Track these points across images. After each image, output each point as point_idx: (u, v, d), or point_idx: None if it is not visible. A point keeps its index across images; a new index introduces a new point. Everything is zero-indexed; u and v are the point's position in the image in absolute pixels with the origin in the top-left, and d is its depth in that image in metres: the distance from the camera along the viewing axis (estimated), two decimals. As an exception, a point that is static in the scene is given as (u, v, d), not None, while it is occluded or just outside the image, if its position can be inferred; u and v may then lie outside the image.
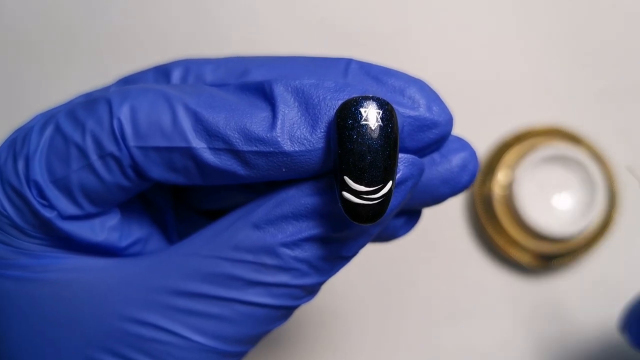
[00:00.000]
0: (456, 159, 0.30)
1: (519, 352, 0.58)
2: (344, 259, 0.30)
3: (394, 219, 0.32)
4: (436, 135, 0.28)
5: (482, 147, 0.59)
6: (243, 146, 0.27)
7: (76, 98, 0.33)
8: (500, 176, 0.57)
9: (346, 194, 0.26)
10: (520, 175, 0.56)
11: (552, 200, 0.57)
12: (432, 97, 0.29)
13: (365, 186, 0.26)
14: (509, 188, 0.56)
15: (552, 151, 0.56)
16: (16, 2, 0.60)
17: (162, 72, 0.31)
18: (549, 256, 0.57)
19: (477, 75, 0.61)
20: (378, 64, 0.29)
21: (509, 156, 0.58)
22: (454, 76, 0.60)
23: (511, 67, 0.61)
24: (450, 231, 0.59)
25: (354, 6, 0.61)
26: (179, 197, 0.36)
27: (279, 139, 0.27)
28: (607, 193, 0.57)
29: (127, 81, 0.32)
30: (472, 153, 0.31)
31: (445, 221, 0.59)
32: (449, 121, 0.29)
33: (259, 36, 0.61)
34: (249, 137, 0.27)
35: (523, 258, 0.57)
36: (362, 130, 0.25)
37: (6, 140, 0.31)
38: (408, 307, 0.58)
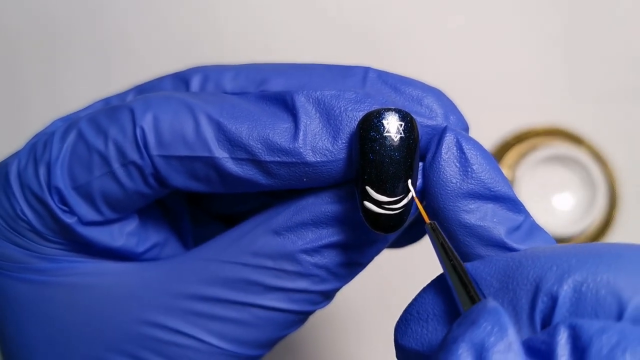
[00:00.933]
0: None
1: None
2: (361, 265, 0.30)
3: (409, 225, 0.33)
4: None
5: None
6: (265, 156, 0.27)
7: (94, 103, 0.33)
8: (502, 176, 0.57)
9: (368, 204, 0.26)
10: (520, 175, 0.56)
11: (552, 200, 0.57)
12: (449, 106, 0.29)
13: (387, 196, 0.26)
14: (510, 188, 0.57)
15: (552, 151, 0.56)
16: (16, 4, 0.60)
17: (181, 79, 0.31)
18: (550, 256, 0.57)
19: (478, 75, 0.61)
20: (395, 73, 0.30)
21: (510, 156, 0.58)
22: (455, 76, 0.60)
23: (512, 67, 0.61)
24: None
25: (356, 6, 0.61)
26: (195, 201, 0.36)
27: (302, 150, 0.27)
28: (608, 193, 0.58)
29: (143, 88, 0.32)
30: None
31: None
32: (465, 130, 0.29)
33: (266, 38, 0.61)
34: (272, 148, 0.27)
35: (524, 258, 0.57)
36: (385, 142, 0.26)
37: (26, 145, 0.31)
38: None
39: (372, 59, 0.60)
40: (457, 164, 0.27)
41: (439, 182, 0.27)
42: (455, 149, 0.27)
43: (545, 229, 0.53)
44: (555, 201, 0.57)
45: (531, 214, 0.54)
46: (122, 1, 0.60)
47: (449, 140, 0.27)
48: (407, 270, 0.58)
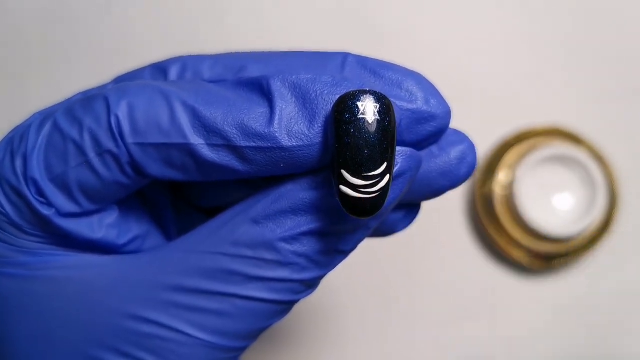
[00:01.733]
0: (454, 152, 0.30)
1: (518, 351, 0.58)
2: (343, 253, 0.30)
3: (393, 213, 0.32)
4: (434, 128, 0.29)
5: (483, 147, 0.59)
6: (241, 142, 0.27)
7: (74, 96, 0.33)
8: (501, 176, 0.57)
9: (344, 188, 0.26)
10: (520, 175, 0.56)
11: (552, 200, 0.57)
12: (430, 90, 0.29)
13: (363, 180, 0.26)
14: (510, 188, 0.56)
15: (552, 151, 0.56)
16: (16, 3, 0.60)
17: (159, 69, 0.31)
18: (550, 256, 0.57)
19: (478, 75, 0.61)
20: (375, 58, 0.29)
21: (510, 156, 0.58)
22: (455, 76, 0.60)
23: (512, 67, 0.61)
24: (451, 231, 0.59)
25: (357, 5, 0.61)
26: (178, 193, 0.36)
27: (277, 135, 0.27)
28: (608, 193, 0.57)
29: (123, 79, 0.32)
30: (471, 145, 0.31)
31: (446, 221, 0.59)
32: (447, 114, 0.29)
33: (261, 33, 0.61)
34: (247, 133, 0.27)
35: (523, 258, 0.57)
36: (360, 124, 0.25)
37: (4, 139, 0.31)
38: (408, 307, 0.59)
39: (372, 56, 0.60)
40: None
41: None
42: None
43: (546, 229, 0.53)
44: (555, 201, 0.57)
45: (532, 213, 0.54)
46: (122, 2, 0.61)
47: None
48: (407, 268, 0.58)
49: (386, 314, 0.58)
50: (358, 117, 0.25)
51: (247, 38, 0.61)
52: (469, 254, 0.59)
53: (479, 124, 0.58)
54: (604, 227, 0.58)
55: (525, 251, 0.57)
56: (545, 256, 0.57)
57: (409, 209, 0.33)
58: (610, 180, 0.58)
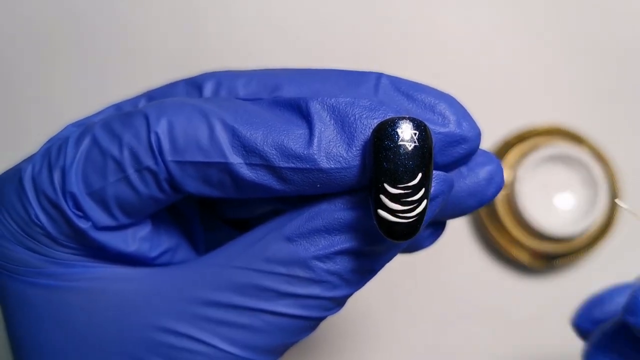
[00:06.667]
0: (483, 172, 0.31)
1: (520, 351, 0.59)
2: (374, 271, 0.30)
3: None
4: (465, 150, 0.29)
5: (484, 146, 0.59)
6: (280, 162, 0.27)
7: (106, 109, 0.33)
8: (503, 176, 0.58)
9: (382, 212, 0.26)
10: (522, 174, 0.56)
11: (554, 199, 0.57)
12: (462, 113, 0.29)
13: (401, 205, 0.26)
14: (511, 188, 0.57)
15: (554, 151, 0.56)
16: (27, 4, 0.60)
17: (194, 85, 0.32)
18: (551, 256, 0.58)
19: (479, 75, 0.61)
20: (407, 79, 0.30)
21: (511, 156, 0.58)
22: (455, 77, 0.60)
23: (513, 67, 0.61)
24: (452, 231, 0.59)
25: (349, 9, 0.61)
26: (205, 205, 0.36)
27: (316, 156, 0.27)
28: (609, 193, 0.58)
29: (155, 94, 0.33)
30: (498, 166, 0.31)
31: (447, 221, 0.60)
32: (478, 136, 0.29)
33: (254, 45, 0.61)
34: (286, 154, 0.27)
35: (525, 258, 0.58)
36: (399, 151, 0.26)
37: (39, 150, 0.31)
38: (409, 307, 0.59)
39: (373, 60, 0.60)
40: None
41: None
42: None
43: (547, 229, 0.54)
44: (556, 201, 0.57)
45: (533, 213, 0.55)
46: (120, 9, 0.60)
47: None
48: (408, 268, 0.59)
49: (386, 313, 0.59)
50: (398, 143, 0.26)
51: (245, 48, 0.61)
52: (470, 254, 0.60)
53: (480, 123, 0.58)
54: (605, 226, 0.58)
55: (526, 251, 0.57)
56: (547, 256, 0.58)
57: (435, 227, 0.34)
58: (611, 180, 0.58)
